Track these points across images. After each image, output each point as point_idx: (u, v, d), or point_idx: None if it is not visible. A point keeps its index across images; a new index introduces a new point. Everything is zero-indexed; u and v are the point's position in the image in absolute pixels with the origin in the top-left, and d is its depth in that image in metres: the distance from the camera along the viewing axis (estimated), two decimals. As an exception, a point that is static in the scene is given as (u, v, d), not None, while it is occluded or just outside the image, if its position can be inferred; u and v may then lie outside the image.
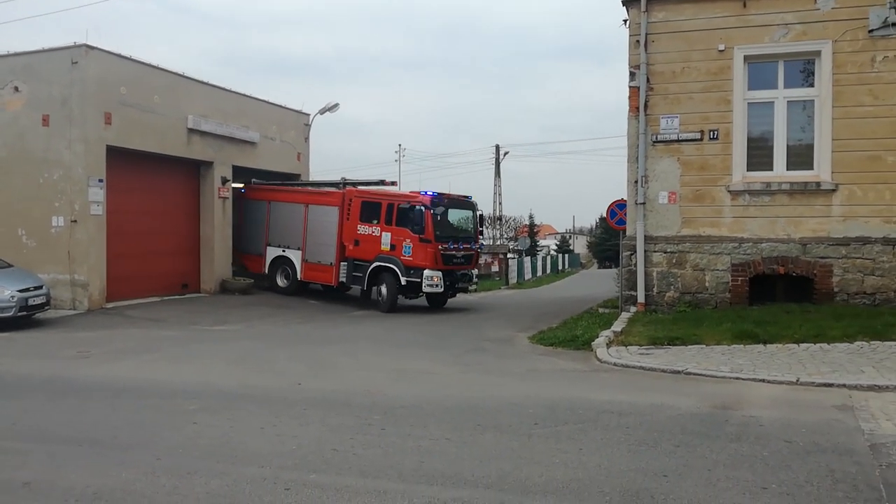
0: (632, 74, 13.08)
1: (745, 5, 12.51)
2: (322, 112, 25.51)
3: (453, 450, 5.65)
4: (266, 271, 21.26)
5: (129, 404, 7.47)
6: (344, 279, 19.17)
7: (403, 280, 17.73)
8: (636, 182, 13.04)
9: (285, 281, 20.92)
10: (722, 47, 12.61)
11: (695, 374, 8.36)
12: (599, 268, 72.58)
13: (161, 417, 6.89)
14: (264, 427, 6.44)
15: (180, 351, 11.53)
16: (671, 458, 5.36)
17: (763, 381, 8.00)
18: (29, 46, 17.72)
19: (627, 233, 13.44)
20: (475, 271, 19.83)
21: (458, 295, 19.78)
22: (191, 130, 19.67)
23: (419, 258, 17.63)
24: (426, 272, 17.56)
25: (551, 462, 5.30)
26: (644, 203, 12.95)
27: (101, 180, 17.01)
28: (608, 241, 75.26)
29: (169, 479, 5.07)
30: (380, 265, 18.14)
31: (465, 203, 19.57)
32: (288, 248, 20.67)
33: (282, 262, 20.92)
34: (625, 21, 13.22)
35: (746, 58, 12.59)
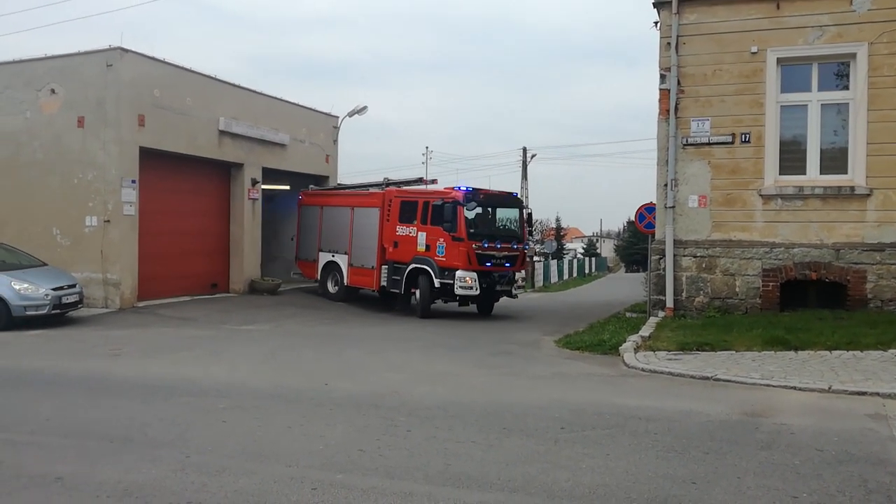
0: (662, 77, 12.98)
1: (778, 7, 12.36)
2: (351, 115, 25.66)
3: (479, 453, 5.65)
4: (318, 277, 20.69)
5: (160, 402, 7.58)
6: (385, 283, 18.17)
7: (437, 282, 16.64)
8: (665, 185, 12.93)
9: (335, 287, 20.16)
10: (755, 49, 12.46)
11: (724, 380, 8.26)
12: (627, 271, 72.02)
13: (192, 415, 6.98)
14: (292, 426, 6.50)
15: (210, 350, 11.66)
16: (700, 466, 5.30)
17: (794, 388, 7.87)
18: (64, 49, 18.05)
19: (656, 237, 13.33)
20: (521, 273, 18.06)
21: (502, 299, 18.14)
22: (222, 132, 19.90)
23: (452, 258, 16.48)
24: (458, 273, 16.34)
25: (578, 467, 5.27)
26: (674, 207, 12.83)
27: (133, 181, 17.28)
28: (636, 244, 74.62)
29: (198, 476, 5.14)
30: (416, 267, 17.12)
31: (507, 200, 18.29)
32: (336, 252, 19.99)
33: (332, 268, 20.18)
34: (655, 23, 13.13)
35: (780, 60, 12.42)
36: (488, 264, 16.58)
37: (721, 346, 9.96)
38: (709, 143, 12.74)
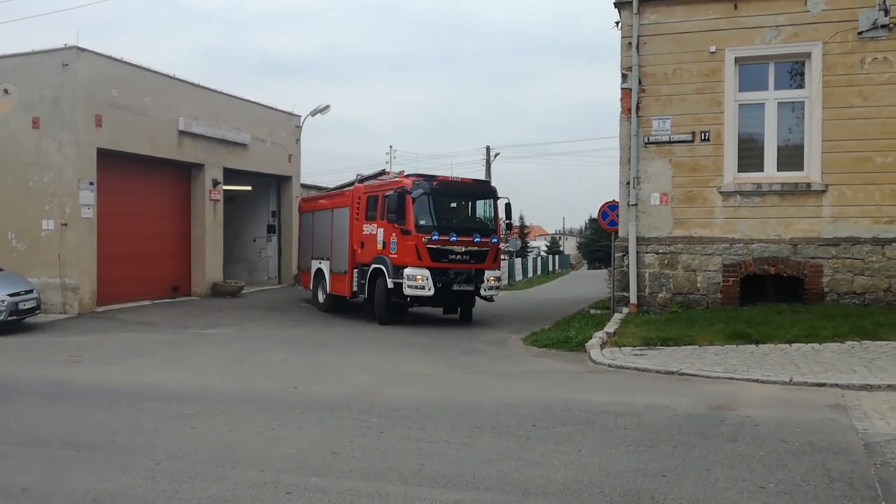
0: (624, 76, 13.15)
1: (736, 7, 12.62)
2: (313, 114, 25.49)
3: (453, 452, 5.68)
4: (311, 287, 19.33)
5: (126, 409, 7.44)
6: (356, 287, 16.51)
7: (390, 282, 14.89)
8: (628, 183, 13.11)
9: (322, 295, 18.51)
10: (713, 49, 12.70)
11: (689, 374, 8.42)
12: (589, 268, 72.74)
13: (159, 422, 6.87)
14: (263, 431, 6.44)
15: (174, 354, 11.48)
16: (669, 459, 5.40)
17: (757, 381, 8.07)
18: (17, 49, 17.60)
19: (619, 234, 13.51)
20: (495, 272, 15.74)
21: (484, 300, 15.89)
22: (182, 132, 19.63)
23: (403, 254, 14.79)
24: (406, 271, 14.56)
25: (551, 463, 5.33)
26: (636, 204, 13.01)
27: (91, 183, 16.93)
28: (598, 241, 75.40)
29: (169, 483, 5.07)
30: (375, 267, 15.48)
31: (474, 189, 16.18)
32: (322, 259, 18.54)
33: (320, 276, 18.69)
34: (617, 23, 13.29)
35: (737, 59, 12.68)
36: (444, 260, 14.76)
37: (685, 341, 10.15)
38: (670, 142, 12.95)
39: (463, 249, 14.98)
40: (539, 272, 48.05)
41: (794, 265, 12.37)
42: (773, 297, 12.63)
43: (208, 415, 7.06)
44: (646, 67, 13.04)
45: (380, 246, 15.51)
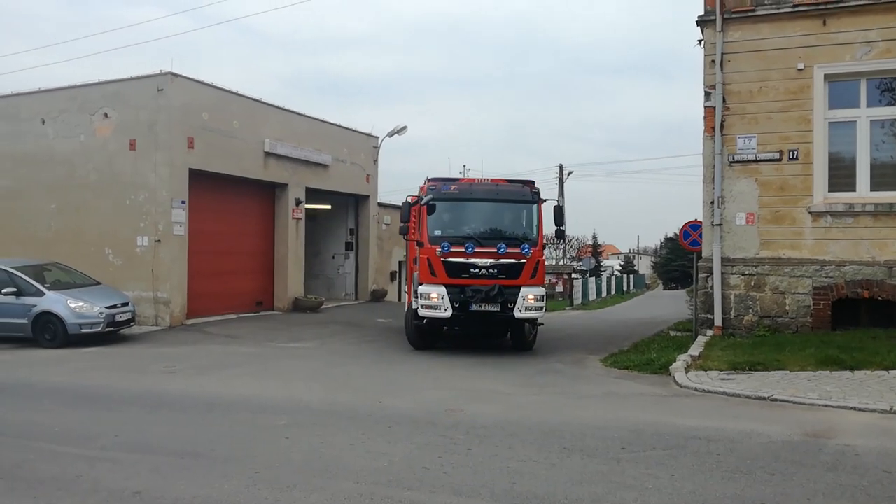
0: (707, 94, 12.97)
1: (825, 23, 12.29)
2: (391, 135, 25.99)
3: (543, 471, 5.70)
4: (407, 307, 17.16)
5: (222, 419, 7.77)
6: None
7: (415, 302, 13.53)
8: (712, 203, 12.87)
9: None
10: (801, 66, 12.39)
11: (781, 400, 8.18)
12: (665, 289, 71.23)
13: (254, 432, 7.14)
14: (353, 444, 6.61)
15: (261, 367, 11.86)
16: (767, 487, 5.28)
17: (854, 408, 7.78)
18: (114, 75, 18.62)
19: (703, 254, 13.25)
20: (537, 290, 13.22)
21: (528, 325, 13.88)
22: (267, 154, 20.33)
23: (420, 270, 13.41)
24: (420, 288, 13.13)
25: (644, 487, 5.29)
26: (721, 224, 12.75)
27: (183, 202, 17.71)
28: (674, 261, 73.79)
29: (270, 491, 5.27)
30: (414, 287, 14.02)
31: (506, 191, 13.71)
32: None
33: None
34: (699, 41, 13.13)
35: (827, 76, 12.34)
36: (465, 276, 12.91)
37: (774, 366, 9.86)
38: (756, 161, 12.67)
39: (489, 263, 12.93)
40: (613, 292, 47.43)
41: (889, 289, 11.86)
42: (866, 321, 12.12)
43: (300, 426, 7.29)
44: (730, 85, 12.82)
45: (413, 262, 14.63)
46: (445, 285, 12.91)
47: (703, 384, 9.07)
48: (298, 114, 22.10)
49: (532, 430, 7.15)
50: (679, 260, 73.71)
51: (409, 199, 13.84)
